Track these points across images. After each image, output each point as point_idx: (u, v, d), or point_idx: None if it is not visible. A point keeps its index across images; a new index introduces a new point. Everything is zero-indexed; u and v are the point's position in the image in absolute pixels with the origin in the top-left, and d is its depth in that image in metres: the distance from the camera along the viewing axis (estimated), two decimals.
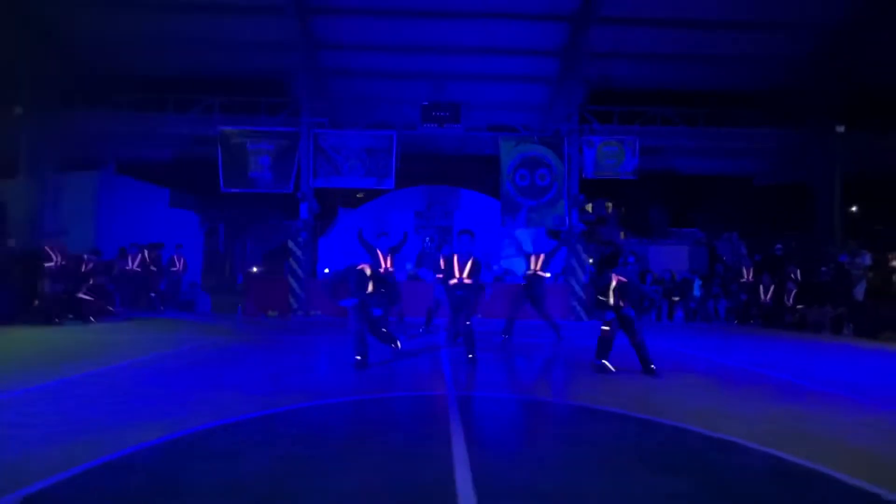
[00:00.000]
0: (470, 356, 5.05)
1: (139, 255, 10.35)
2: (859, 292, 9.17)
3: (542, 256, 6.96)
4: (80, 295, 8.01)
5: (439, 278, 5.52)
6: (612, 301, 5.00)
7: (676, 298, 10.77)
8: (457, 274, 5.25)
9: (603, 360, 4.83)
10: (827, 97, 11.27)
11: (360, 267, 5.01)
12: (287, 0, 9.44)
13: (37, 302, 7.56)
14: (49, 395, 3.56)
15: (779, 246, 11.40)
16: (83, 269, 8.46)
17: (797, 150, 11.64)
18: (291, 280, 10.20)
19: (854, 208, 16.19)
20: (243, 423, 2.96)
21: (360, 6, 9.80)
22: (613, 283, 5.02)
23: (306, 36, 10.33)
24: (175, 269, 10.55)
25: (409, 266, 11.51)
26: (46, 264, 7.63)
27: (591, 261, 14.69)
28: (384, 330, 5.25)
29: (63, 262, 7.87)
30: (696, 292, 10.86)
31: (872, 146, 11.34)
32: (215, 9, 9.80)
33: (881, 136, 11.28)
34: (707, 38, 10.47)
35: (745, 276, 10.56)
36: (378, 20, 10.09)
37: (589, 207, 28.81)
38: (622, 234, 21.40)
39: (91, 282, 8.40)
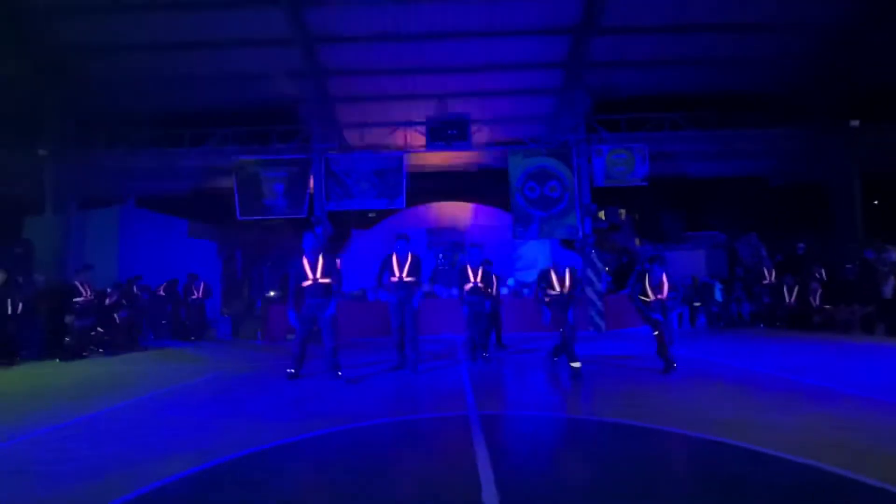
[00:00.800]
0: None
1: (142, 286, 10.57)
2: (888, 290, 8.88)
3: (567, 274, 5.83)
4: (99, 329, 8.22)
5: (467, 289, 6.05)
6: (652, 297, 5.37)
7: (698, 304, 10.57)
8: (471, 279, 5.96)
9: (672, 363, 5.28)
10: (836, 95, 11.15)
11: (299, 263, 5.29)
12: (294, 31, 9.77)
13: (67, 338, 7.75)
14: (79, 430, 3.63)
15: (801, 245, 11.17)
16: (107, 303, 8.68)
17: (811, 148, 11.49)
18: None
19: (875, 202, 15.81)
20: (268, 452, 2.97)
21: (365, 33, 10.07)
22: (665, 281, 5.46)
23: (314, 64, 10.63)
24: (194, 297, 10.73)
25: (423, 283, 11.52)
26: (76, 299, 7.84)
27: (606, 269, 14.54)
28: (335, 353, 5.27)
29: (91, 297, 8.09)
30: (718, 297, 10.65)
31: (889, 140, 11.12)
32: (223, 43, 10.16)
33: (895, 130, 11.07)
34: (710, 41, 10.49)
35: (768, 278, 10.34)
36: (382, 45, 10.34)
37: (602, 215, 28.56)
38: (637, 241, 21.14)
39: (115, 315, 8.62)
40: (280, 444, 3.10)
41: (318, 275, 5.20)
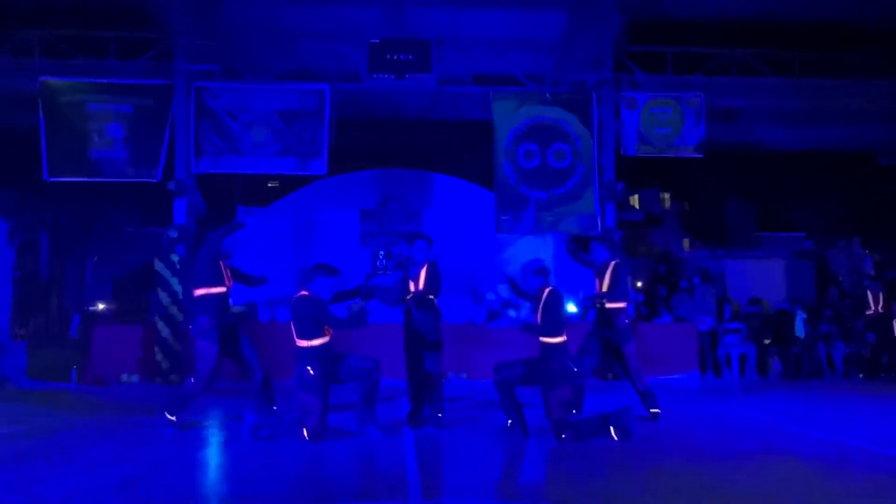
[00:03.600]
0: (438, 415, 5.87)
1: None
2: None
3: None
4: None
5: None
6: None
7: (769, 341, 11.02)
8: (411, 288, 6.23)
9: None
10: None
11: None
12: None
13: None
14: None
15: None
16: None
17: None
18: (161, 323, 10.01)
19: None
20: None
21: None
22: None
23: None
24: None
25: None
26: None
27: (638, 284, 14.93)
28: None
29: None
30: (800, 332, 11.14)
31: None
32: None
33: None
34: None
35: (872, 307, 10.90)
36: None
37: (634, 201, 29.35)
38: (685, 243, 21.87)
39: None
40: None
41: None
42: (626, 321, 6.56)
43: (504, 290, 12.40)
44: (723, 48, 11.80)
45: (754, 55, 11.77)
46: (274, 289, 11.79)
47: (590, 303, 6.90)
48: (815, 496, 4.02)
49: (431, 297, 6.26)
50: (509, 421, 5.90)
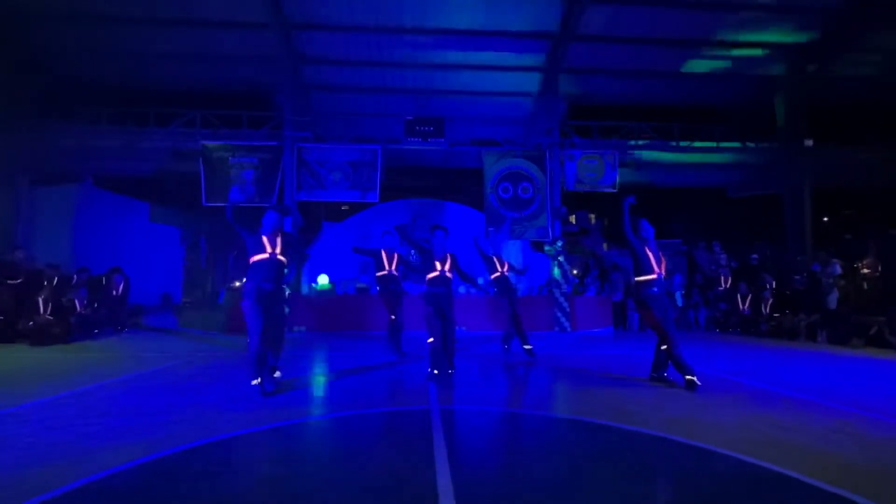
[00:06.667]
0: (434, 372, 4.87)
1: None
2: (832, 300, 9.45)
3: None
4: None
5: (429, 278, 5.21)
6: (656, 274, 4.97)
7: None
8: (438, 267, 5.14)
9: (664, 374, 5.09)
10: (794, 113, 11.75)
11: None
12: (271, 16, 9.53)
13: (31, 322, 7.41)
14: (17, 418, 3.45)
15: (754, 256, 11.70)
16: (47, 286, 8.27)
17: (768, 163, 12.06)
18: None
19: (825, 218, 16.80)
20: (224, 443, 2.91)
21: (344, 22, 9.93)
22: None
23: (290, 51, 10.40)
24: (115, 293, 9.92)
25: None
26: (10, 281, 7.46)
27: (574, 272, 14.86)
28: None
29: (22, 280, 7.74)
30: (678, 302, 11.05)
31: (840, 159, 11.82)
32: (198, 22, 9.82)
33: (848, 149, 11.78)
34: (681, 55, 10.87)
35: (723, 286, 10.80)
36: (362, 36, 10.22)
37: (572, 219, 29.21)
38: (605, 245, 21.68)
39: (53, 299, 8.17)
40: (235, 435, 3.04)
41: (277, 251, 4.71)
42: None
43: (487, 277, 12.34)
44: (628, 122, 11.73)
45: (648, 126, 11.70)
46: (344, 272, 11.86)
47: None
48: (683, 402, 4.02)
49: (449, 275, 5.34)
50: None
